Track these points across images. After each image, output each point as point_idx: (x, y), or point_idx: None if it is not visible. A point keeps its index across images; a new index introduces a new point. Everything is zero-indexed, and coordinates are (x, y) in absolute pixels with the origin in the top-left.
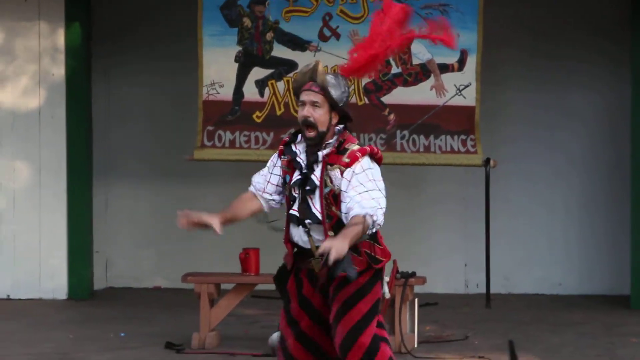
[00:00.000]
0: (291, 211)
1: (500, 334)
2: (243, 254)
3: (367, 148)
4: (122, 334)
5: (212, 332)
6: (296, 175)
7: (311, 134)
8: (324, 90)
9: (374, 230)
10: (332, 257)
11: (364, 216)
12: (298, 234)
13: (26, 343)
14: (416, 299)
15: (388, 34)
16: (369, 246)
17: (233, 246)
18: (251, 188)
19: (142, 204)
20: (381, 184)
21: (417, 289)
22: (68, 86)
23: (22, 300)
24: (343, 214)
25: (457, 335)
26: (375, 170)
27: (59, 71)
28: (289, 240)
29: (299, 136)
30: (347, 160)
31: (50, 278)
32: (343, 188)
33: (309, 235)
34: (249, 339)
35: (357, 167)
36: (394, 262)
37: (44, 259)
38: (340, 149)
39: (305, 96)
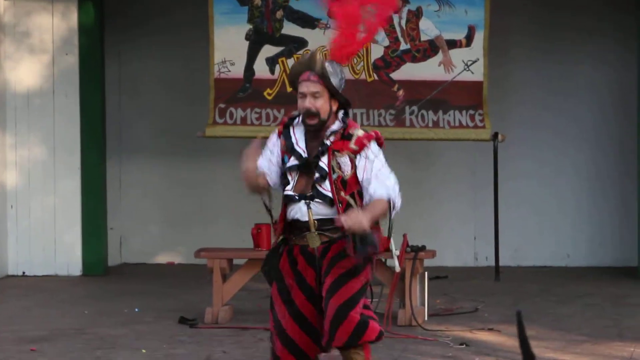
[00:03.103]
0: (286, 192)
1: (509, 306)
2: (255, 229)
3: (372, 133)
4: (137, 309)
5: (225, 306)
6: (292, 160)
7: (313, 121)
8: (324, 79)
9: (392, 215)
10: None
11: (388, 200)
12: (298, 208)
13: (42, 319)
14: (426, 272)
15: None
16: (376, 229)
17: (245, 222)
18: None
19: (155, 181)
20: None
21: (427, 262)
22: (81, 65)
23: (37, 276)
24: (365, 200)
25: (467, 307)
26: (382, 155)
27: (72, 50)
28: (283, 220)
29: (297, 119)
30: (355, 147)
31: (64, 254)
32: (359, 175)
33: (309, 208)
34: (262, 313)
35: (368, 153)
36: (404, 235)
37: (59, 236)
38: (344, 134)
39: (304, 87)
